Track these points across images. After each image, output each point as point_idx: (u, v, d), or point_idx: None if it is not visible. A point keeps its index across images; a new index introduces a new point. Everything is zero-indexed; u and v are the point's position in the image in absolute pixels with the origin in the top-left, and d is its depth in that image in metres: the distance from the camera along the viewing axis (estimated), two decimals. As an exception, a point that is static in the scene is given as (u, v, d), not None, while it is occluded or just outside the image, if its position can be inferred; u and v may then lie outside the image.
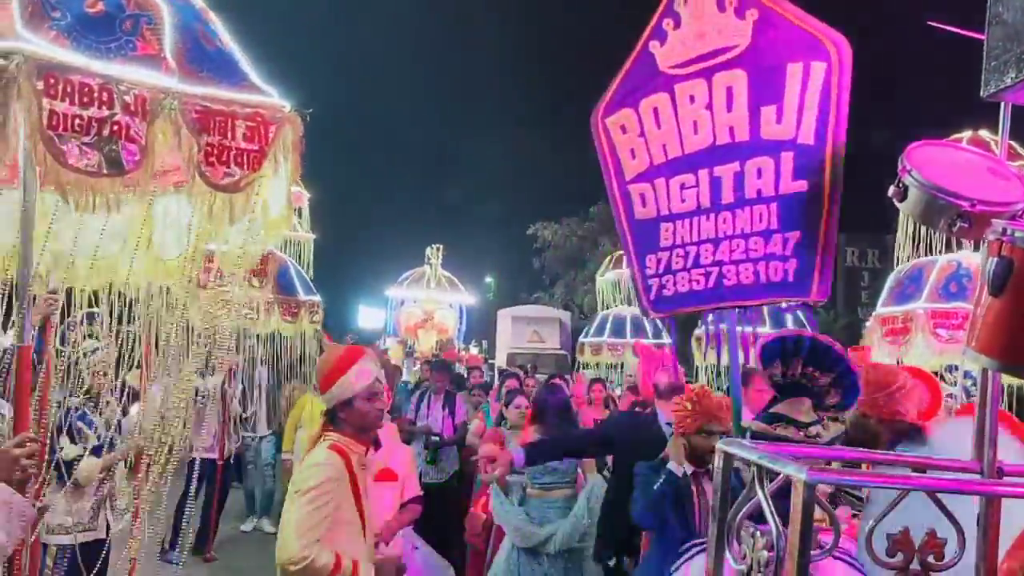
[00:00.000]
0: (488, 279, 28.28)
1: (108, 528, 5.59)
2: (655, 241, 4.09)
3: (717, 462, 2.17)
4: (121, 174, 2.69)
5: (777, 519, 1.88)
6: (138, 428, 5.15)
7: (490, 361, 16.04)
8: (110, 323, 5.03)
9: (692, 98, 3.89)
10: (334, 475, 3.34)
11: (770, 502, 1.90)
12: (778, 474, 1.90)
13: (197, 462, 7.58)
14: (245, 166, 2.96)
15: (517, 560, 5.64)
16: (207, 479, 8.58)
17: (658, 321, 14.98)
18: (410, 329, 15.36)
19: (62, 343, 4.90)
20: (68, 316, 4.94)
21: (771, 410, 2.77)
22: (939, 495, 2.12)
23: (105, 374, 4.98)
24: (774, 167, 3.70)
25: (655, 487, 3.84)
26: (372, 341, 14.37)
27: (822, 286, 3.67)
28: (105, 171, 2.66)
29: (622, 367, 13.96)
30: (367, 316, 20.28)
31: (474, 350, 15.96)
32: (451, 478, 8.53)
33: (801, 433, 2.67)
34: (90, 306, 5.09)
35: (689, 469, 3.97)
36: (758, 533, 1.93)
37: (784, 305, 3.85)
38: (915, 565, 2.18)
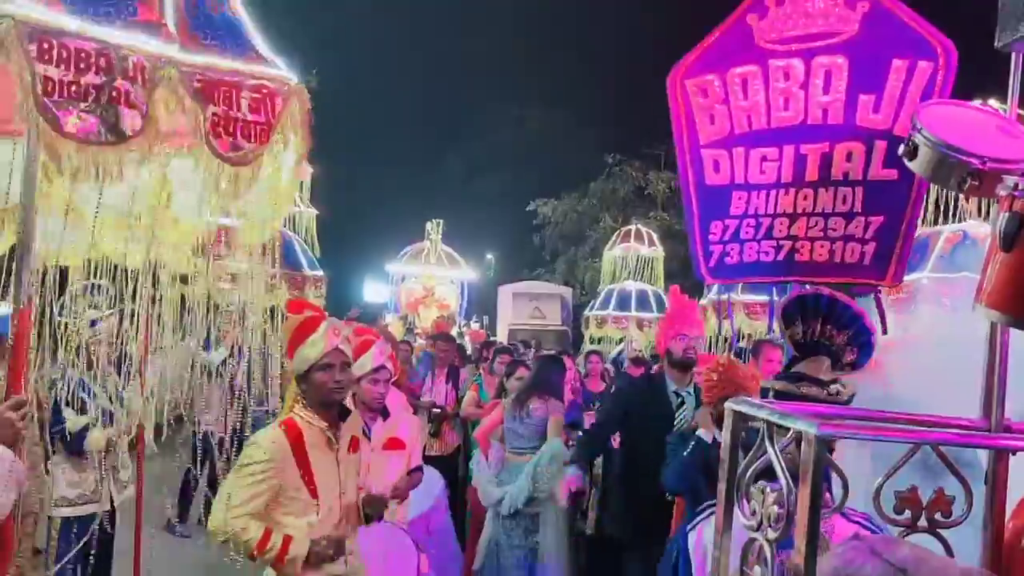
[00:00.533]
0: (488, 256, 28.12)
1: (112, 501, 5.60)
2: (724, 208, 4.08)
3: (726, 421, 2.18)
4: (122, 141, 2.65)
5: (787, 475, 1.89)
6: (138, 402, 5.19)
7: (492, 338, 16.01)
8: (114, 294, 5.05)
9: (787, 75, 3.89)
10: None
11: (780, 458, 1.91)
12: (788, 431, 1.91)
13: (201, 436, 7.64)
14: (252, 139, 2.93)
15: (492, 521, 6.08)
16: (212, 452, 8.59)
17: (663, 297, 14.87)
18: (411, 305, 15.36)
19: (62, 314, 4.89)
20: (69, 287, 4.95)
21: (792, 370, 2.77)
22: (945, 456, 2.14)
23: (112, 344, 4.97)
24: (865, 153, 3.74)
25: (684, 454, 3.92)
26: (376, 316, 14.36)
27: (898, 272, 3.74)
28: (105, 139, 2.62)
29: (620, 341, 14.00)
30: (373, 290, 20.16)
31: (475, 326, 15.87)
32: (455, 451, 8.59)
33: (824, 392, 2.68)
34: (90, 278, 5.10)
35: (719, 436, 4.03)
36: (768, 489, 1.94)
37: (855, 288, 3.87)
38: (923, 522, 2.21)
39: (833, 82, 3.80)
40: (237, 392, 8.65)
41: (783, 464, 1.90)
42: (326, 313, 3.98)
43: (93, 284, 5.08)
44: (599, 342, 14.38)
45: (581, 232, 27.58)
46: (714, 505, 2.30)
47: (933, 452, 2.13)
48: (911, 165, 2.13)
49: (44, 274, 4.14)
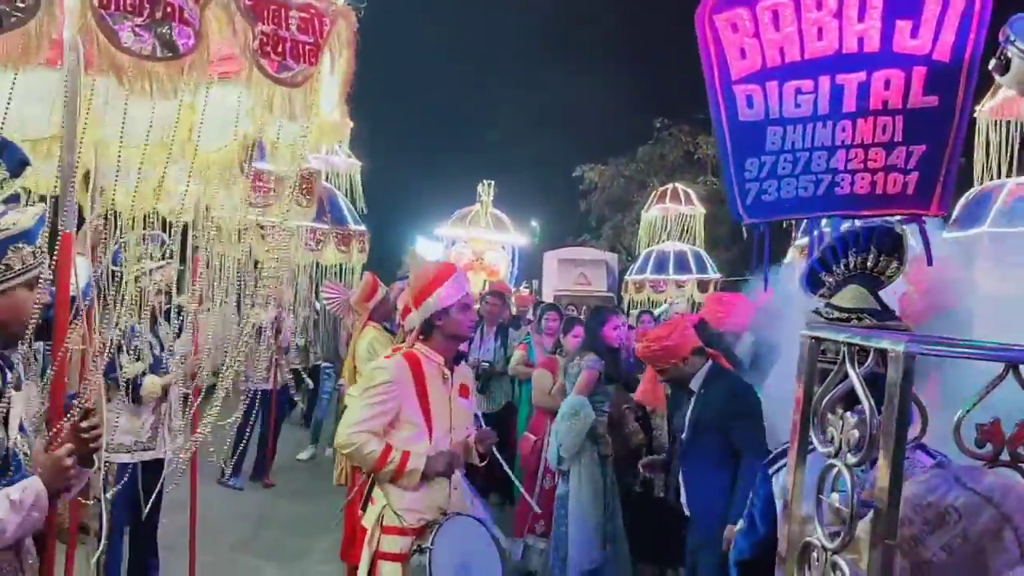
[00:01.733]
0: (533, 223, 27.95)
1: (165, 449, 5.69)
2: (759, 144, 4.01)
3: (803, 350, 2.10)
4: (176, 58, 2.60)
5: (870, 397, 1.81)
6: (188, 354, 5.25)
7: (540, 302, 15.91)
8: (167, 246, 5.11)
9: (819, 4, 3.80)
10: (394, 377, 3.58)
11: (862, 381, 1.84)
12: (867, 354, 1.83)
13: (251, 392, 7.74)
14: (302, 59, 2.87)
15: None
16: (263, 408, 8.72)
17: (704, 256, 14.59)
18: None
19: (115, 263, 4.95)
20: (120, 237, 5.01)
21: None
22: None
23: (167, 293, 5.02)
24: (904, 80, 3.63)
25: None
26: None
27: (943, 200, 3.65)
28: (159, 54, 2.56)
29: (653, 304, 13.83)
30: (424, 249, 20.14)
31: (525, 291, 15.70)
32: (503, 408, 8.60)
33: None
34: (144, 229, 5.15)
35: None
36: (848, 415, 1.87)
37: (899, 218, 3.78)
38: (1004, 456, 2.12)
39: (868, 9, 3.68)
40: (284, 348, 8.80)
41: (864, 387, 1.82)
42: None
43: (147, 234, 5.15)
44: (640, 304, 14.23)
45: (628, 197, 27.30)
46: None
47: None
48: (1002, 80, 2.02)
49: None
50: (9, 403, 2.45)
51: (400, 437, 3.60)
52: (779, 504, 2.23)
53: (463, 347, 8.58)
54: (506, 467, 5.20)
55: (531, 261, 22.86)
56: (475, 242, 14.88)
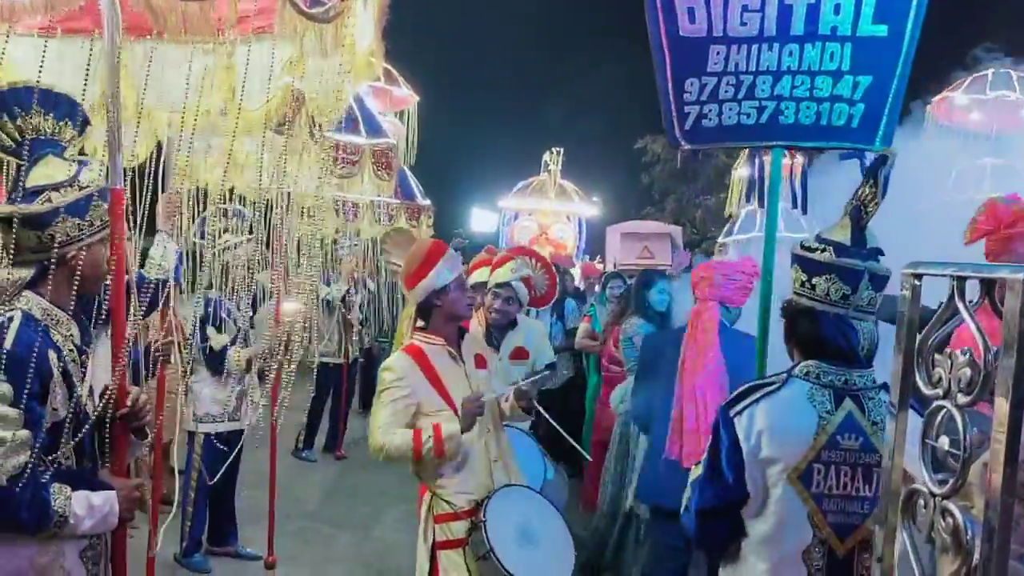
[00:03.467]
0: (594, 198, 27.65)
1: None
2: (701, 64, 3.71)
3: (903, 290, 1.98)
4: (207, -1, 2.56)
5: (983, 332, 1.69)
6: (265, 328, 5.32)
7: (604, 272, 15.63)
8: (250, 220, 5.18)
9: None
10: (402, 372, 3.55)
11: (973, 314, 1.72)
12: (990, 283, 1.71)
13: (323, 367, 7.84)
14: (333, -7, 2.78)
15: None
16: (334, 382, 8.82)
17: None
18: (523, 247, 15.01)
19: (201, 237, 5.03)
20: (203, 210, 5.08)
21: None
22: None
23: (249, 268, 5.09)
24: (855, 5, 3.44)
25: None
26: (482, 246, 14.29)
27: (887, 136, 3.47)
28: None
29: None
30: (480, 219, 19.83)
31: (599, 267, 15.38)
32: (568, 382, 8.54)
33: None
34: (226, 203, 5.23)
35: None
36: (957, 353, 1.75)
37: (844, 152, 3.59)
38: None
39: None
40: (356, 324, 8.87)
41: (976, 321, 1.70)
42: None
43: (225, 209, 5.22)
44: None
45: (691, 169, 26.87)
46: (754, 389, 2.12)
47: None
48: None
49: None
50: (87, 361, 2.48)
51: (428, 424, 3.54)
52: (745, 448, 2.12)
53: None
54: (559, 429, 5.11)
55: (599, 234, 22.64)
56: (541, 215, 14.56)
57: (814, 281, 2.09)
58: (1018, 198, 3.50)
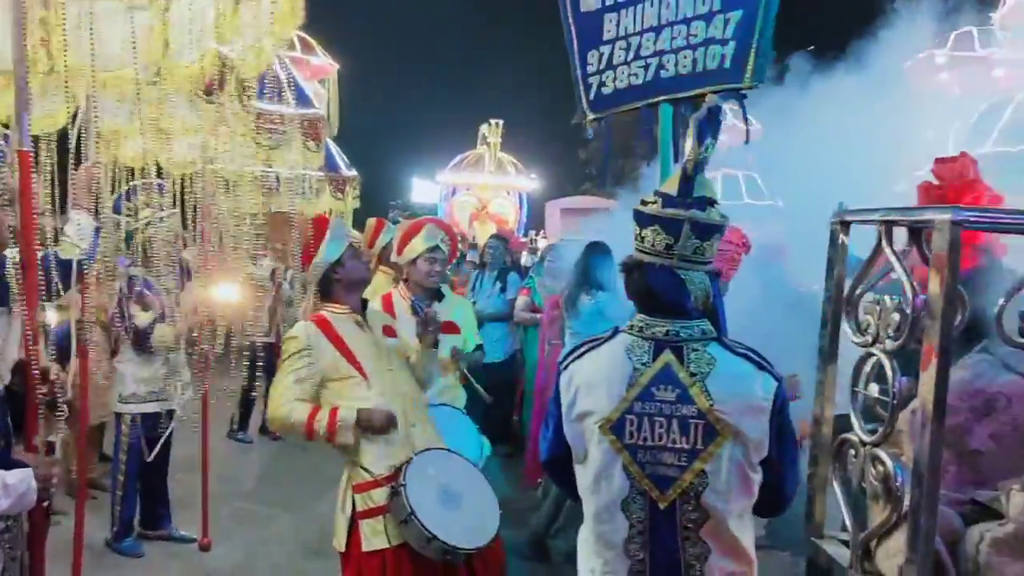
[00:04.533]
0: (532, 175, 27.68)
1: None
2: (598, 35, 3.84)
3: (834, 235, 1.97)
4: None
5: (910, 277, 1.68)
6: (195, 306, 5.17)
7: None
8: (171, 195, 5.01)
9: None
10: (307, 341, 3.50)
11: (901, 259, 1.71)
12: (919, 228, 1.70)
13: (253, 347, 7.64)
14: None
15: None
16: (267, 362, 8.62)
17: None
18: (458, 223, 14.88)
19: (117, 212, 4.84)
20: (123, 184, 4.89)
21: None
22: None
23: (171, 243, 4.93)
24: None
25: None
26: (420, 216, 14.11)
27: (757, 71, 3.46)
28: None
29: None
30: (421, 189, 19.65)
31: (542, 242, 15.30)
32: (508, 357, 8.48)
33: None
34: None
35: None
36: (887, 299, 1.74)
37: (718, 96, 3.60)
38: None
39: None
40: (285, 302, 8.67)
41: (904, 265, 1.69)
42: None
43: (147, 183, 5.04)
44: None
45: (628, 144, 26.94)
46: (585, 343, 2.13)
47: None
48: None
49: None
50: None
51: (339, 393, 3.52)
52: (565, 400, 2.15)
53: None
54: (482, 391, 5.08)
55: (541, 209, 22.65)
56: (480, 189, 14.43)
57: (643, 233, 2.08)
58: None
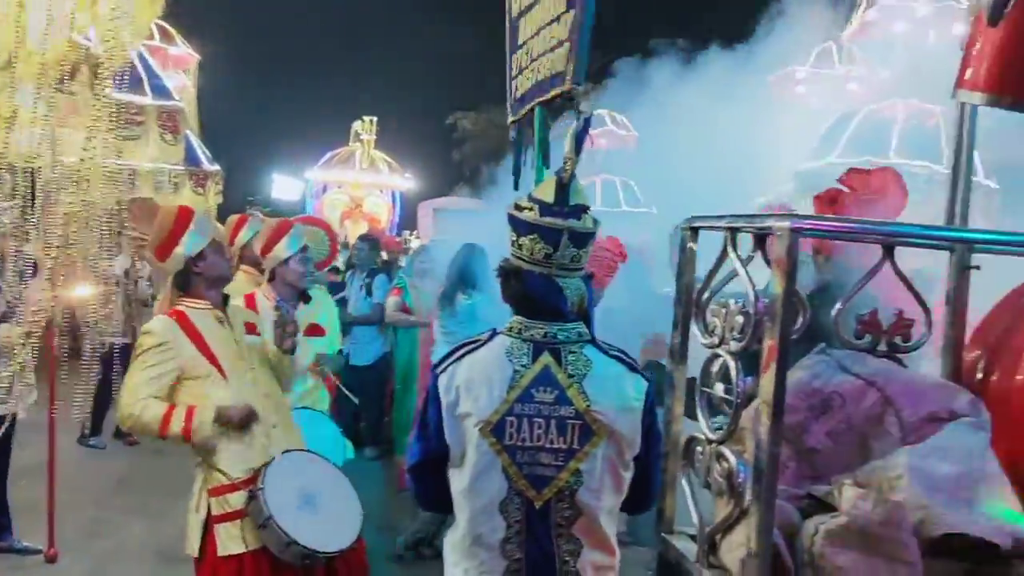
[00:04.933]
0: (407, 174, 27.56)
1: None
2: (516, 40, 3.93)
3: (681, 241, 2.03)
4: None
5: (752, 280, 1.75)
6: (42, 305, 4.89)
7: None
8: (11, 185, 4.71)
9: None
10: (164, 337, 3.36)
11: (744, 263, 1.77)
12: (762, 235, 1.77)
13: (107, 347, 7.27)
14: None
15: None
16: (122, 364, 8.23)
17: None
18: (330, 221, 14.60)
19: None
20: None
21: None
22: (905, 276, 2.03)
23: (15, 238, 4.63)
24: None
25: None
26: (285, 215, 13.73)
27: (576, 72, 3.46)
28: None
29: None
30: (283, 186, 19.03)
31: (415, 242, 15.13)
32: (378, 360, 8.38)
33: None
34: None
35: None
36: (732, 301, 1.80)
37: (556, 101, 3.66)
38: (883, 347, 2.12)
39: None
40: (142, 300, 8.31)
41: (746, 270, 1.76)
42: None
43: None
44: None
45: (502, 146, 27.15)
46: (463, 346, 2.18)
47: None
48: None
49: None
50: None
51: (195, 391, 3.40)
52: (444, 402, 2.15)
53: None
54: (349, 395, 5.03)
55: (415, 208, 22.43)
56: (352, 187, 14.16)
57: (521, 241, 2.11)
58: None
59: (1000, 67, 1.66)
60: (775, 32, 10.60)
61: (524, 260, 2.12)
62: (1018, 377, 2.03)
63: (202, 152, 8.63)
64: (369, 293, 8.40)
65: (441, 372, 2.20)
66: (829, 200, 3.19)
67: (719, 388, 1.84)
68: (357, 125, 14.18)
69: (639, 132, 14.18)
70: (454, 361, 2.20)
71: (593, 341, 2.17)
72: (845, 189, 3.17)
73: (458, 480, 2.18)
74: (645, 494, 2.21)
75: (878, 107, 9.31)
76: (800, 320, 1.98)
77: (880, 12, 11.50)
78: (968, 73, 1.72)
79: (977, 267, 2.17)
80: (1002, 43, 1.64)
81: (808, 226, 1.65)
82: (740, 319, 1.76)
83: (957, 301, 2.17)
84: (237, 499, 3.32)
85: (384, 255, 12.43)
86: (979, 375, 2.16)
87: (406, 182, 15.58)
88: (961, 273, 2.17)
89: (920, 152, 8.30)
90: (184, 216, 3.55)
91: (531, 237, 2.10)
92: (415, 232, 16.91)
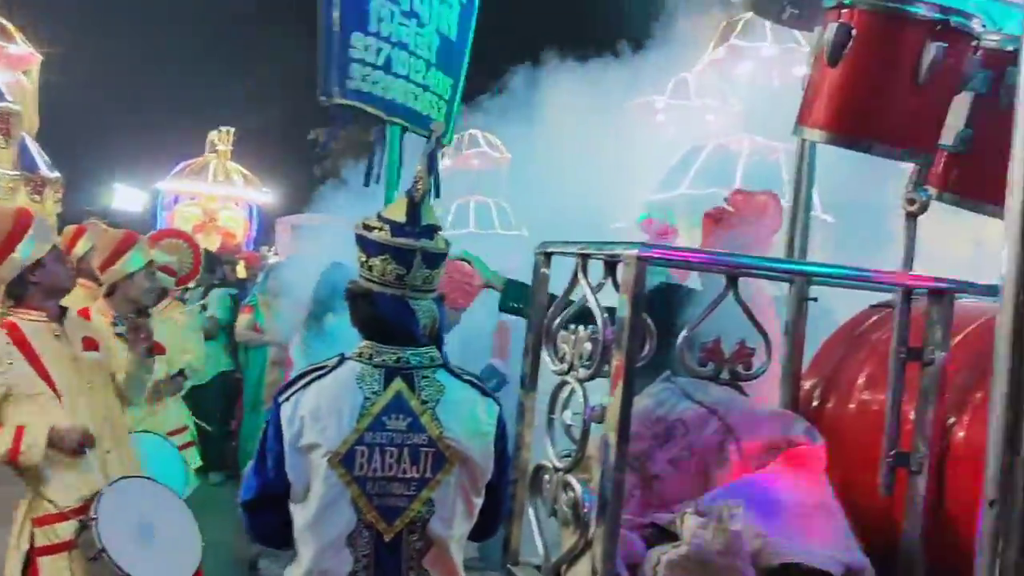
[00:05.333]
0: (265, 189, 26.93)
1: None
2: (364, 20, 3.66)
3: (535, 266, 2.01)
4: None
5: (601, 308, 1.74)
6: None
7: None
8: None
9: None
10: None
11: (594, 290, 1.76)
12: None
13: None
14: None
15: None
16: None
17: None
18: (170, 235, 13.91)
19: None
20: None
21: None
22: (747, 307, 2.08)
23: None
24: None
25: None
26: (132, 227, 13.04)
27: (448, 133, 3.86)
28: None
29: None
30: (125, 197, 18.03)
31: (273, 258, 14.61)
32: (215, 378, 8.05)
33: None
34: None
35: None
36: (581, 328, 1.79)
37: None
38: (725, 375, 2.16)
39: None
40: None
41: (596, 298, 1.75)
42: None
43: None
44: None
45: (359, 160, 26.82)
46: (307, 373, 2.13)
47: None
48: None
49: None
50: None
51: (27, 412, 3.16)
52: (288, 434, 2.05)
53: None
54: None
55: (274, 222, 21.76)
56: (207, 199, 13.62)
57: (372, 262, 2.06)
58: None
59: (838, 106, 1.73)
60: (638, 59, 10.90)
61: (375, 282, 2.05)
62: (850, 406, 2.11)
63: (40, 158, 8.12)
64: (204, 308, 8.12)
65: (284, 401, 2.08)
66: (716, 218, 3.36)
67: (567, 415, 1.83)
68: (213, 135, 13.67)
69: (512, 153, 14.31)
70: (299, 389, 2.09)
71: (446, 365, 2.12)
72: (730, 208, 3.35)
73: (301, 515, 2.07)
74: (494, 520, 2.17)
75: (726, 141, 9.74)
76: (647, 347, 1.99)
77: (729, 51, 12.06)
78: (808, 111, 1.78)
79: (814, 299, 2.25)
80: (840, 83, 1.71)
81: (656, 255, 1.66)
82: (589, 346, 1.75)
83: (795, 332, 2.24)
84: (66, 529, 3.08)
85: (241, 271, 12.03)
86: (815, 403, 2.23)
87: (264, 196, 15.11)
88: (799, 305, 2.24)
89: (763, 186, 8.70)
90: (22, 219, 3.28)
91: (382, 258, 2.03)
92: (273, 248, 16.44)
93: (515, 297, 3.19)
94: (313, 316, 5.84)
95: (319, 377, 2.09)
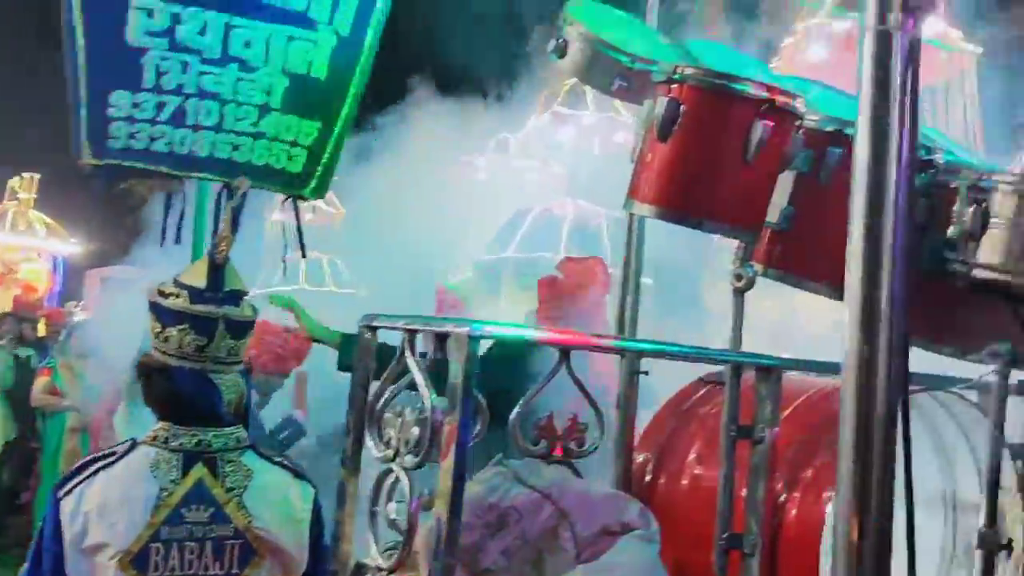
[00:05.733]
0: (73, 240, 25.38)
1: None
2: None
3: (359, 339, 1.87)
4: None
5: (431, 387, 1.62)
6: None
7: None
8: None
9: None
10: None
11: (422, 368, 1.64)
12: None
13: None
14: None
15: None
16: None
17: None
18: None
19: None
20: None
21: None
22: (580, 381, 2.03)
23: None
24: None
25: None
26: None
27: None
28: None
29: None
30: None
31: (80, 315, 13.54)
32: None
33: None
34: None
35: None
36: (407, 410, 1.66)
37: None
38: (558, 452, 2.10)
39: None
40: None
41: (426, 376, 1.63)
42: None
43: None
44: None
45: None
46: (92, 462, 1.93)
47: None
48: (561, 64, 1.99)
49: None
50: None
51: None
52: (68, 534, 1.83)
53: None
54: None
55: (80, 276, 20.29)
56: (7, 250, 12.61)
57: (168, 332, 1.88)
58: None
59: (668, 182, 1.72)
60: (472, 114, 11.00)
61: (171, 355, 1.85)
62: (683, 482, 2.09)
63: None
64: None
65: (65, 495, 1.82)
66: (549, 284, 3.46)
67: (392, 508, 1.68)
68: (14, 182, 12.72)
69: (346, 206, 14.07)
70: (82, 480, 1.84)
71: (253, 447, 1.94)
72: (561, 275, 3.47)
73: None
74: None
75: (550, 205, 10.02)
76: (478, 428, 1.89)
77: (551, 117, 12.46)
78: (638, 186, 1.76)
79: (646, 372, 2.23)
80: (671, 158, 1.70)
81: (487, 332, 1.57)
82: (416, 431, 1.62)
83: (627, 406, 2.21)
84: None
85: (41, 328, 11.13)
86: (647, 479, 2.20)
87: (70, 247, 14.16)
88: (630, 378, 2.21)
89: (586, 250, 8.98)
90: None
91: (180, 328, 1.84)
92: (81, 303, 15.34)
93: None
94: (136, 381, 5.41)
95: (107, 466, 1.85)
